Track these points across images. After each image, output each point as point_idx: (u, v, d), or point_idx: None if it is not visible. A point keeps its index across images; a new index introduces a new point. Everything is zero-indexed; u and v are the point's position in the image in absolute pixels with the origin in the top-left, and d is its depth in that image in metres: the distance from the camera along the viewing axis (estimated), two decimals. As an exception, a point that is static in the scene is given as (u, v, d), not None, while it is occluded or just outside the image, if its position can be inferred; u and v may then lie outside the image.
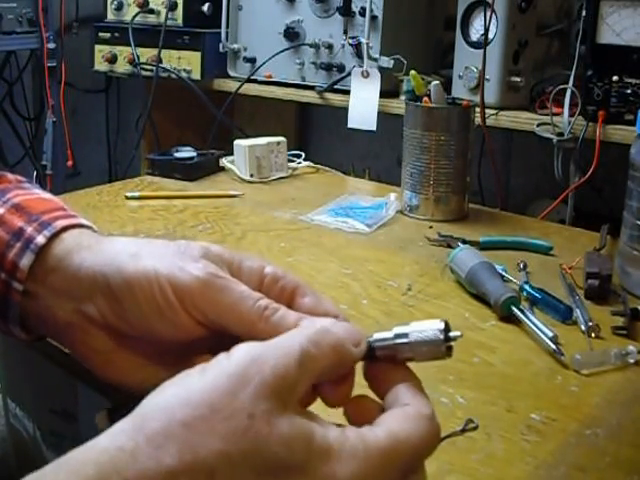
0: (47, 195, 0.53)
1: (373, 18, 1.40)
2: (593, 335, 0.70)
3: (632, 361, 0.65)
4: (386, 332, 0.41)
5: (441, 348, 0.40)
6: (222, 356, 0.35)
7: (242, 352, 0.35)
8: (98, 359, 0.47)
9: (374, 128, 1.38)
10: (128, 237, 0.48)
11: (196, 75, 1.67)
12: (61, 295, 0.46)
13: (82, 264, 0.46)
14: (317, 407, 0.39)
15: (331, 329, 0.37)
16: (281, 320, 0.42)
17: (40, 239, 0.47)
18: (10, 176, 0.54)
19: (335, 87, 1.48)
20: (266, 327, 0.42)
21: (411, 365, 0.41)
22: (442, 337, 0.40)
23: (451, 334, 0.40)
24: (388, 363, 0.40)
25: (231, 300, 0.42)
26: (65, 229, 0.48)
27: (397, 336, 0.41)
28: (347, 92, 1.42)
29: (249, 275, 0.45)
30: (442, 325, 0.40)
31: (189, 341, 0.45)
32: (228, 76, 1.65)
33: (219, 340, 0.43)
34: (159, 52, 1.65)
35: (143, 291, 0.43)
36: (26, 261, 0.47)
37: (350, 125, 1.40)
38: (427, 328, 0.40)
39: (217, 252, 0.45)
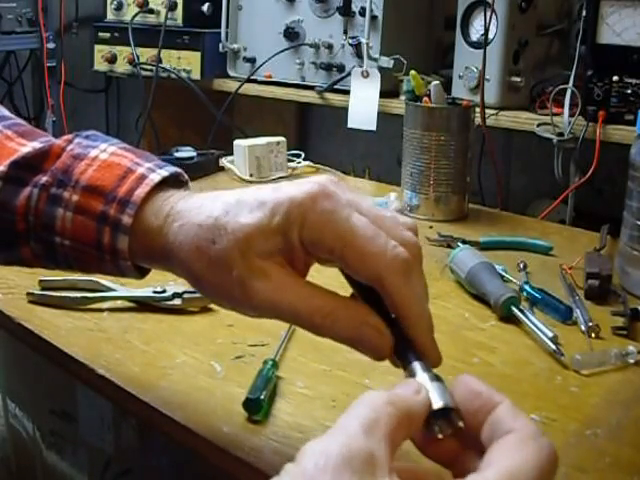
0: (102, 152, 0.53)
1: (373, 18, 1.40)
2: (593, 335, 0.70)
3: (632, 361, 0.65)
4: (427, 376, 0.40)
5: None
6: None
7: (309, 456, 0.34)
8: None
9: (374, 128, 1.37)
10: (193, 213, 0.47)
11: (196, 75, 1.67)
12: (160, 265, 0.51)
13: (165, 258, 0.48)
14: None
15: (384, 392, 0.35)
16: (339, 330, 0.44)
17: (126, 220, 0.49)
18: (58, 143, 0.54)
19: (335, 87, 1.48)
20: (324, 333, 0.44)
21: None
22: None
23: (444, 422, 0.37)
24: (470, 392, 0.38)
25: (290, 313, 0.44)
26: (144, 201, 0.49)
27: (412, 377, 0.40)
28: (347, 92, 1.42)
29: (296, 252, 0.45)
30: (437, 405, 0.37)
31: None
32: (228, 76, 1.65)
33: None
34: (159, 52, 1.65)
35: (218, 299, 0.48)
36: (123, 243, 0.49)
37: (350, 125, 1.40)
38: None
39: (263, 246, 0.44)
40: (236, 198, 0.46)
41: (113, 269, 0.51)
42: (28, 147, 0.54)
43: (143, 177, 0.50)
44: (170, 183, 0.51)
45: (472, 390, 0.36)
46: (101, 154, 0.52)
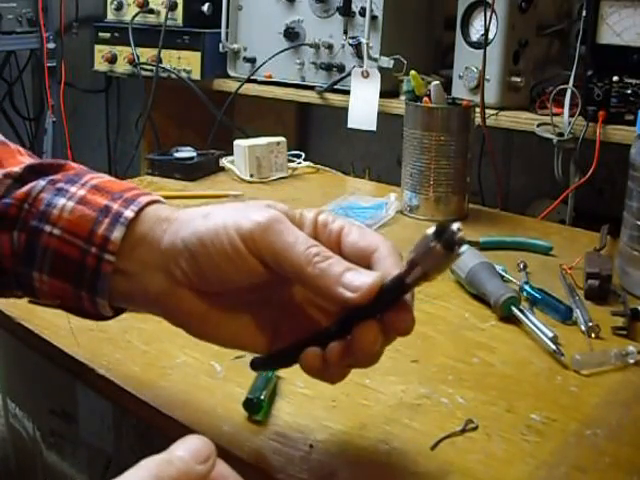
0: (115, 179, 0.55)
1: (373, 18, 1.40)
2: (593, 335, 0.70)
3: (632, 361, 0.65)
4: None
5: (438, 251, 0.41)
6: None
7: None
8: (193, 321, 0.50)
9: (374, 128, 1.38)
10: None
11: (196, 75, 1.67)
12: (150, 268, 0.49)
13: (163, 235, 0.49)
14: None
15: (173, 458, 0.36)
16: (328, 267, 0.45)
17: (129, 213, 0.50)
18: (73, 164, 0.56)
19: (335, 87, 1.48)
20: (313, 271, 0.45)
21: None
22: (432, 244, 0.41)
23: (453, 229, 0.41)
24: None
25: (286, 243, 0.46)
26: (148, 204, 0.51)
27: (408, 262, 0.44)
28: (347, 92, 1.42)
29: (307, 224, 0.49)
30: (431, 230, 0.42)
31: (261, 286, 0.48)
32: (228, 76, 1.65)
33: (287, 292, 0.50)
34: (159, 52, 1.65)
35: (214, 244, 0.47)
36: (118, 234, 0.49)
37: (350, 125, 1.40)
38: (423, 241, 0.42)
39: (282, 207, 0.50)
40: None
41: (90, 271, 0.50)
42: (41, 160, 0.56)
43: (149, 193, 0.53)
44: None
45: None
46: (112, 177, 0.55)
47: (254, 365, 0.52)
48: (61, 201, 0.51)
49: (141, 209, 0.50)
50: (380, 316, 0.45)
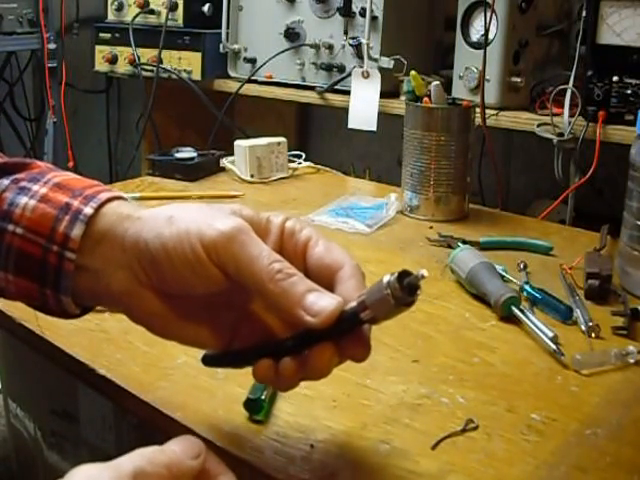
0: (79, 176, 0.55)
1: (373, 18, 1.40)
2: (593, 335, 0.70)
3: (632, 361, 0.66)
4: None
5: (389, 300, 0.42)
6: None
7: (79, 476, 0.37)
8: (156, 322, 0.50)
9: (374, 128, 1.38)
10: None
11: (196, 75, 1.67)
12: (113, 264, 0.49)
13: (125, 233, 0.49)
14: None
15: (165, 449, 0.39)
16: (290, 287, 0.44)
17: (88, 210, 0.50)
18: (40, 162, 0.57)
19: (335, 87, 1.48)
20: (275, 289, 0.44)
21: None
22: (387, 292, 0.41)
23: (408, 280, 0.42)
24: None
25: (249, 256, 0.45)
26: (109, 200, 0.51)
27: (358, 303, 0.43)
28: (347, 92, 1.42)
29: (274, 231, 0.49)
30: (386, 278, 0.42)
31: (222, 290, 0.48)
32: (228, 76, 1.65)
33: (247, 296, 0.49)
34: (159, 52, 1.65)
35: (176, 250, 0.46)
36: (77, 231, 0.49)
37: (350, 125, 1.40)
38: (377, 286, 0.42)
39: (247, 213, 0.49)
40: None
41: (52, 270, 0.50)
42: (7, 159, 0.56)
43: (110, 190, 0.53)
44: None
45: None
46: (76, 175, 0.55)
47: (205, 361, 0.52)
48: (23, 200, 0.51)
49: (101, 205, 0.50)
50: (337, 339, 0.45)
